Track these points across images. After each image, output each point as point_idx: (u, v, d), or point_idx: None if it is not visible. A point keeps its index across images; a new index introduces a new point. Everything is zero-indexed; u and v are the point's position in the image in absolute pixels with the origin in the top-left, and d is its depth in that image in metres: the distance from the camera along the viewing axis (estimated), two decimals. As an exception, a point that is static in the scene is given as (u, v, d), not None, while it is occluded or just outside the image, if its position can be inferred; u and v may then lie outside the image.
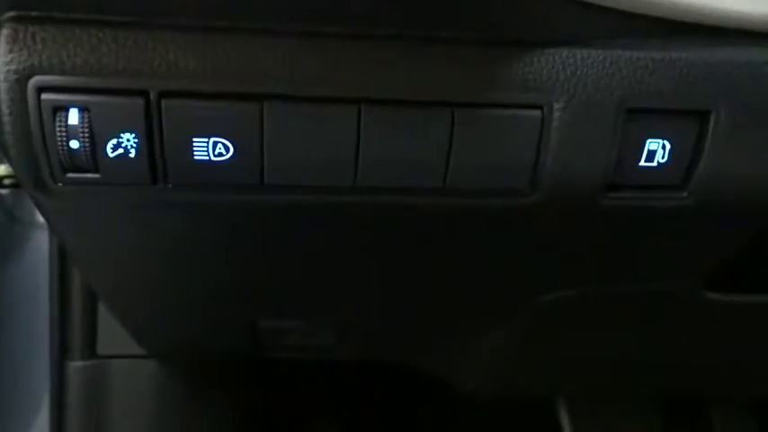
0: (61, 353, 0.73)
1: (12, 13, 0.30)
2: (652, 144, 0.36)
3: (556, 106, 0.33)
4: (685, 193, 0.37)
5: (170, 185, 0.32)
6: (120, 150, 0.31)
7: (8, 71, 0.30)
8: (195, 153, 0.31)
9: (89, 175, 0.32)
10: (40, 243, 0.79)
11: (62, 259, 0.72)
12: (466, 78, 0.33)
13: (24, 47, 0.30)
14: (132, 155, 0.31)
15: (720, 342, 0.59)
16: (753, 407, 0.98)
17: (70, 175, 0.32)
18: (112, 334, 0.71)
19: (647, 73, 0.34)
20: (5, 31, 0.30)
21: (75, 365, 0.73)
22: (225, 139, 0.31)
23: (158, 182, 0.32)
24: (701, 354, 0.62)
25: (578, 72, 0.33)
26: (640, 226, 0.40)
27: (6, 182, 0.75)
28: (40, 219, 0.80)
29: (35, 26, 0.30)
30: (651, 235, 0.42)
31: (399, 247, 0.42)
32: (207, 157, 0.31)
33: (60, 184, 0.32)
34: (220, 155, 0.31)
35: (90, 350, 0.73)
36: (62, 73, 0.30)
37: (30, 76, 0.30)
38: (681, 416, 0.98)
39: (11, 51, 0.30)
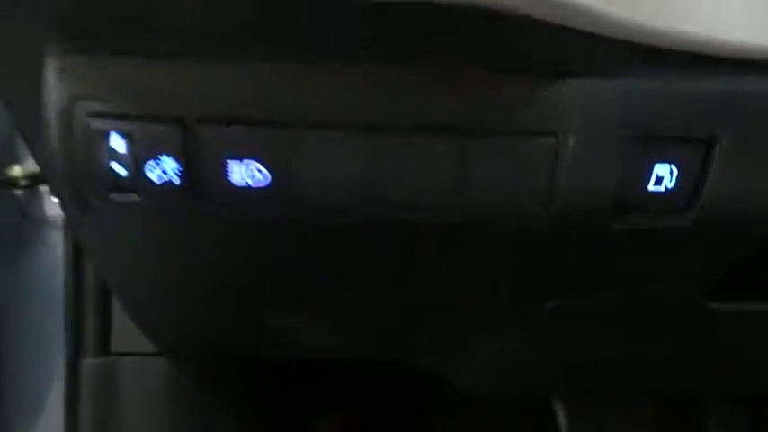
0: (75, 350, 0.75)
1: (59, 45, 0.32)
2: (660, 169, 0.38)
3: (569, 133, 0.35)
4: (691, 215, 0.39)
5: (207, 209, 0.34)
6: (160, 174, 0.33)
7: (57, 99, 0.32)
8: (232, 177, 0.33)
9: (129, 196, 0.34)
10: (53, 241, 0.81)
11: (76, 257, 0.74)
12: (481, 105, 0.34)
13: (71, 76, 0.32)
14: (171, 178, 0.33)
15: (722, 348, 0.61)
16: (747, 403, 0.99)
17: (112, 195, 0.34)
18: (127, 331, 0.72)
19: (656, 102, 0.36)
20: (54, 63, 0.32)
21: (89, 362, 0.74)
22: (261, 164, 0.33)
23: (195, 205, 0.34)
24: (703, 359, 0.64)
25: (591, 100, 0.35)
26: (645, 243, 0.42)
27: (22, 182, 0.77)
28: (53, 217, 0.82)
29: (81, 57, 0.32)
30: (654, 250, 0.44)
31: (414, 262, 0.44)
32: (243, 182, 0.33)
33: (101, 204, 0.34)
34: (256, 179, 0.33)
35: (104, 347, 0.74)
36: (105, 100, 0.32)
37: (76, 104, 0.32)
38: (676, 413, 1.00)
39: (60, 80, 0.32)
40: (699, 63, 0.36)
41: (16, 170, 0.78)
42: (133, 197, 0.34)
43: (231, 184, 0.33)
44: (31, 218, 0.81)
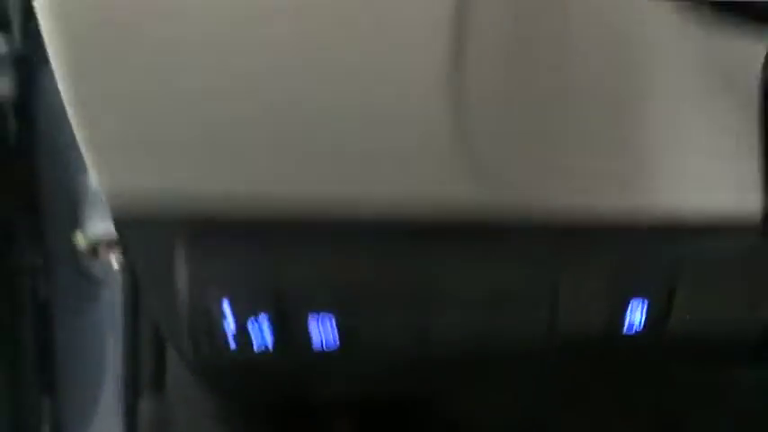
0: (132, 394, 0.85)
1: (186, 240, 0.43)
2: (634, 305, 0.49)
3: (563, 287, 0.47)
4: (660, 337, 0.50)
5: (293, 368, 0.45)
6: (257, 332, 0.44)
7: (182, 275, 0.43)
8: (313, 341, 0.44)
9: (233, 350, 0.45)
10: (112, 299, 0.91)
11: (133, 313, 0.84)
12: (500, 280, 0.46)
13: (194, 259, 0.43)
14: (264, 335, 0.44)
15: None
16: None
17: (218, 345, 0.45)
18: (180, 375, 0.82)
19: (631, 262, 0.47)
20: (181, 250, 0.43)
21: (145, 405, 0.84)
22: (334, 320, 0.44)
23: (282, 360, 0.45)
24: None
25: (579, 265, 0.47)
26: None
27: (85, 248, 0.87)
28: (111, 278, 0.92)
29: (201, 245, 0.43)
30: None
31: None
32: (319, 339, 0.44)
33: (211, 353, 0.45)
34: (329, 344, 0.44)
35: (158, 391, 0.84)
36: (219, 274, 0.43)
37: (197, 278, 0.43)
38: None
39: (185, 261, 0.43)
40: (665, 231, 0.47)
41: (79, 237, 0.88)
42: (238, 349, 0.45)
43: (309, 338, 0.44)
44: (92, 279, 0.91)
